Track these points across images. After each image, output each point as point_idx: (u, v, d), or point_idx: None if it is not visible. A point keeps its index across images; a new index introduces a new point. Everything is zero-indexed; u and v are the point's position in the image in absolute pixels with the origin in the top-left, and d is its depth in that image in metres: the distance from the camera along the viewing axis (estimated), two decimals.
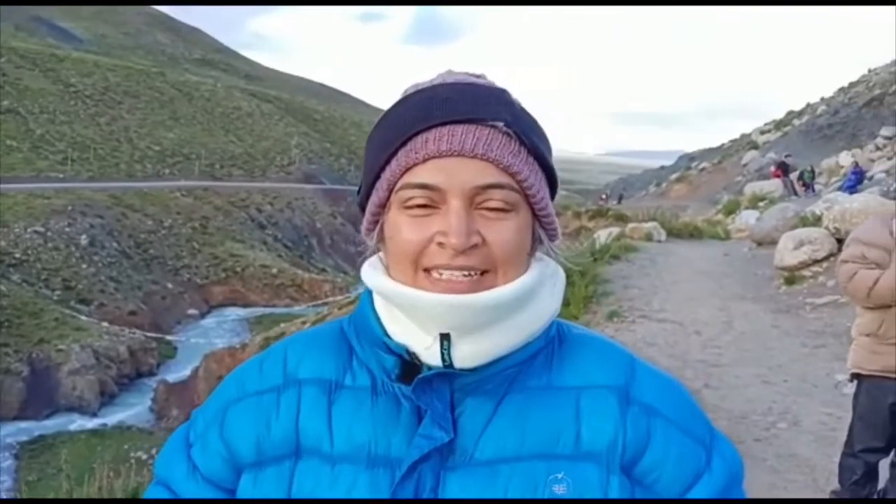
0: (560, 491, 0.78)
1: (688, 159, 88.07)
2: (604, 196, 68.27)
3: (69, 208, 49.30)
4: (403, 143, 0.79)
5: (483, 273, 0.78)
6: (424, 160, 0.78)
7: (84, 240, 47.76)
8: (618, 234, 15.46)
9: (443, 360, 0.78)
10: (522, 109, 0.83)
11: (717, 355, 6.95)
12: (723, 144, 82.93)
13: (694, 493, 0.82)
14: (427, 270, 0.78)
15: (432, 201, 0.78)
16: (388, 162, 0.81)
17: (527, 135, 0.81)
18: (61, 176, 57.02)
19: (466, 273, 0.78)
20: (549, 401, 0.83)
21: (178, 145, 74.05)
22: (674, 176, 71.04)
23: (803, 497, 4.05)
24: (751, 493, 3.80)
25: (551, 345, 0.87)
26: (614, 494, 0.79)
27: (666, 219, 18.27)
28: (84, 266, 45.99)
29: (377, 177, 0.82)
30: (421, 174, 0.78)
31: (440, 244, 0.77)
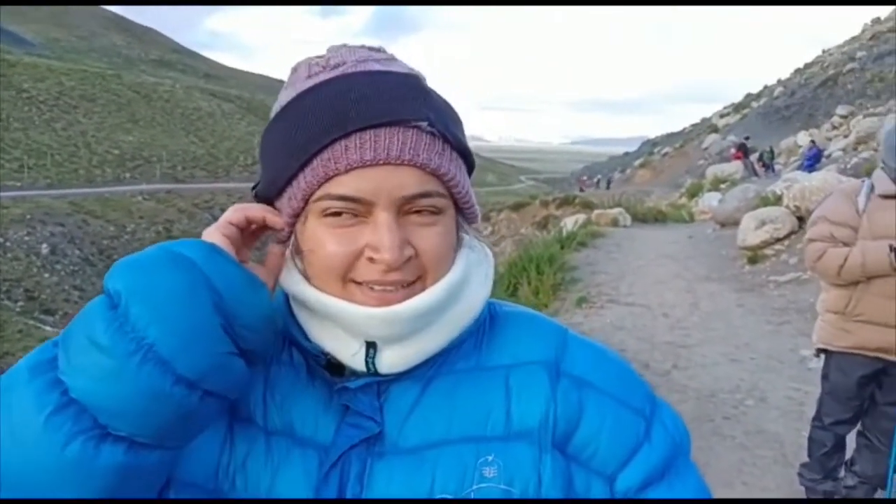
0: (490, 474, 0.74)
1: (650, 145, 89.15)
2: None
3: (28, 217, 48.11)
4: (319, 150, 0.73)
5: (413, 282, 0.75)
6: (347, 170, 0.72)
7: (45, 248, 46.66)
8: (584, 221, 15.61)
9: (367, 367, 0.76)
10: (440, 99, 0.78)
11: (685, 336, 7.02)
12: (684, 129, 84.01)
13: (633, 466, 0.78)
14: (357, 282, 0.75)
15: (357, 212, 0.73)
16: (301, 169, 0.74)
17: (450, 130, 0.76)
18: (18, 184, 55.59)
19: (400, 286, 0.74)
20: (478, 382, 0.79)
21: (138, 148, 72.67)
22: (637, 162, 71.75)
23: (772, 471, 4.14)
24: (720, 470, 3.86)
25: (482, 327, 0.83)
26: (548, 473, 0.75)
27: (631, 204, 18.50)
28: (46, 275, 44.96)
29: (287, 182, 0.76)
30: (344, 184, 0.72)
31: (371, 259, 0.73)
